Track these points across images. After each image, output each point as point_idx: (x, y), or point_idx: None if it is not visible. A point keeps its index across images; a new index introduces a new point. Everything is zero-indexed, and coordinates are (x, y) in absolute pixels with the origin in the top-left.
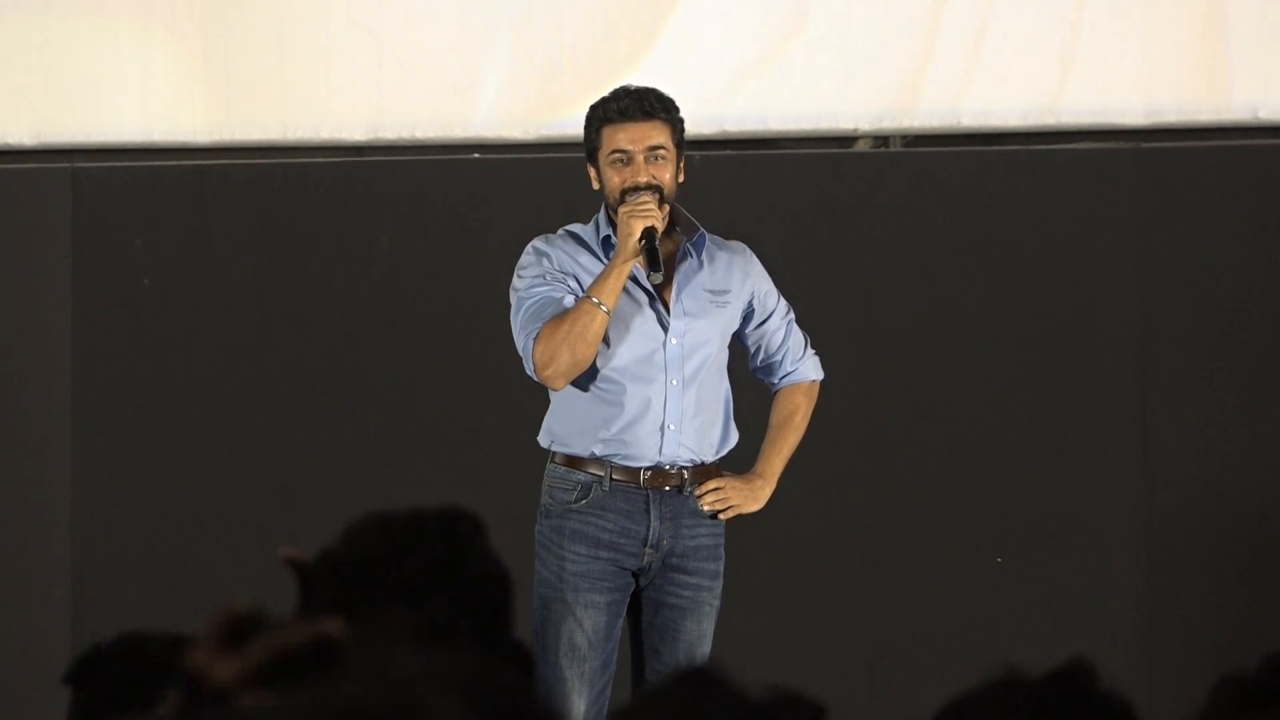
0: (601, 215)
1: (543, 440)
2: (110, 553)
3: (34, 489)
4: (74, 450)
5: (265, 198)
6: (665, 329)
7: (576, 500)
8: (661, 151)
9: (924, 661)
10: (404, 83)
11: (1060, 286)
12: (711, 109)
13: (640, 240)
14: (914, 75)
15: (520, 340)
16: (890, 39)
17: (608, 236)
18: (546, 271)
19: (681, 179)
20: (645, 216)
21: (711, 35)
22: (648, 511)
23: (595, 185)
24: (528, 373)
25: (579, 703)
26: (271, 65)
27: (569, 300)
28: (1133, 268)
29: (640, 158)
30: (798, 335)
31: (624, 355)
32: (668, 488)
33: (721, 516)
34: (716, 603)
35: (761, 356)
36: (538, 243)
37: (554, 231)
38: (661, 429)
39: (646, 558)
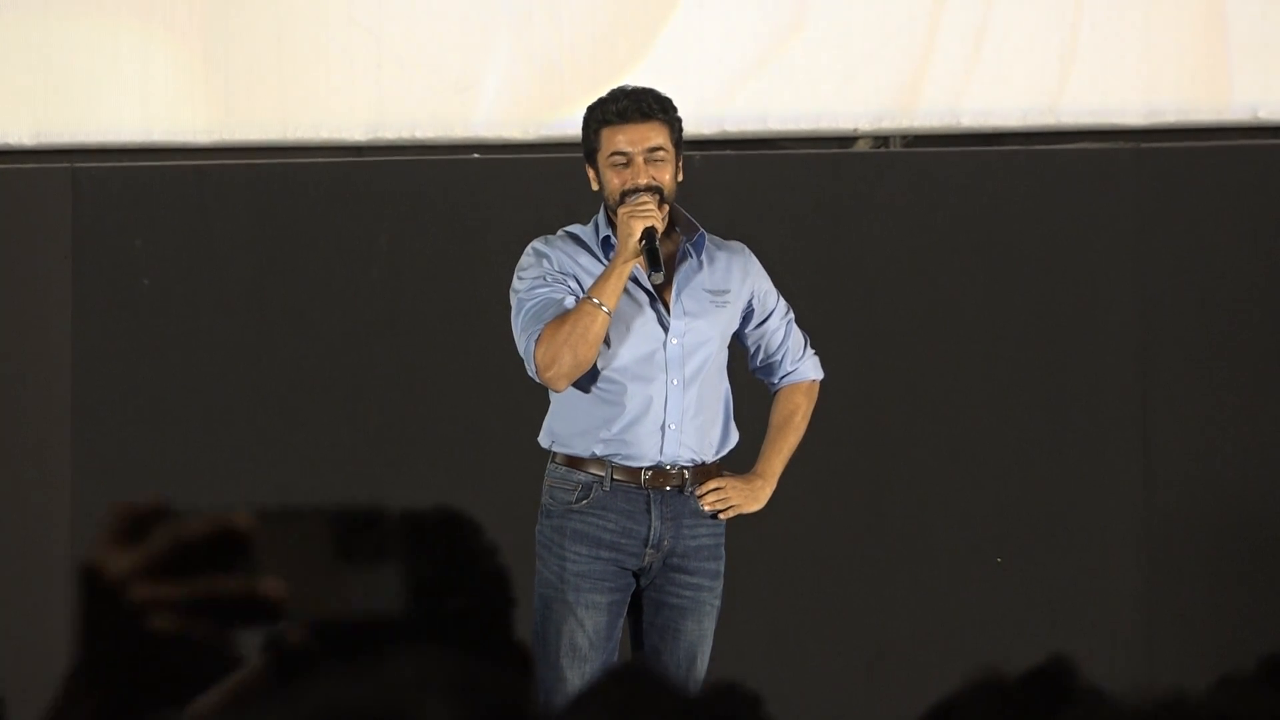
0: (601, 216)
1: (543, 441)
2: None
3: (34, 489)
4: (74, 450)
5: (265, 198)
6: (666, 329)
7: (577, 500)
8: (660, 152)
9: (924, 661)
10: (404, 83)
11: (1060, 286)
12: (711, 109)
13: (640, 241)
14: (914, 75)
15: (521, 342)
16: (890, 39)
17: (607, 237)
18: (547, 273)
19: (680, 178)
20: (645, 217)
21: (711, 35)
22: (649, 511)
23: (595, 187)
24: (529, 374)
25: None
26: (271, 65)
27: (570, 301)
28: (1133, 268)
29: (640, 159)
30: (797, 335)
31: (624, 355)
32: (668, 488)
33: (722, 516)
34: (717, 602)
35: (761, 356)
36: (537, 244)
37: (553, 232)
38: (662, 429)
39: (647, 558)
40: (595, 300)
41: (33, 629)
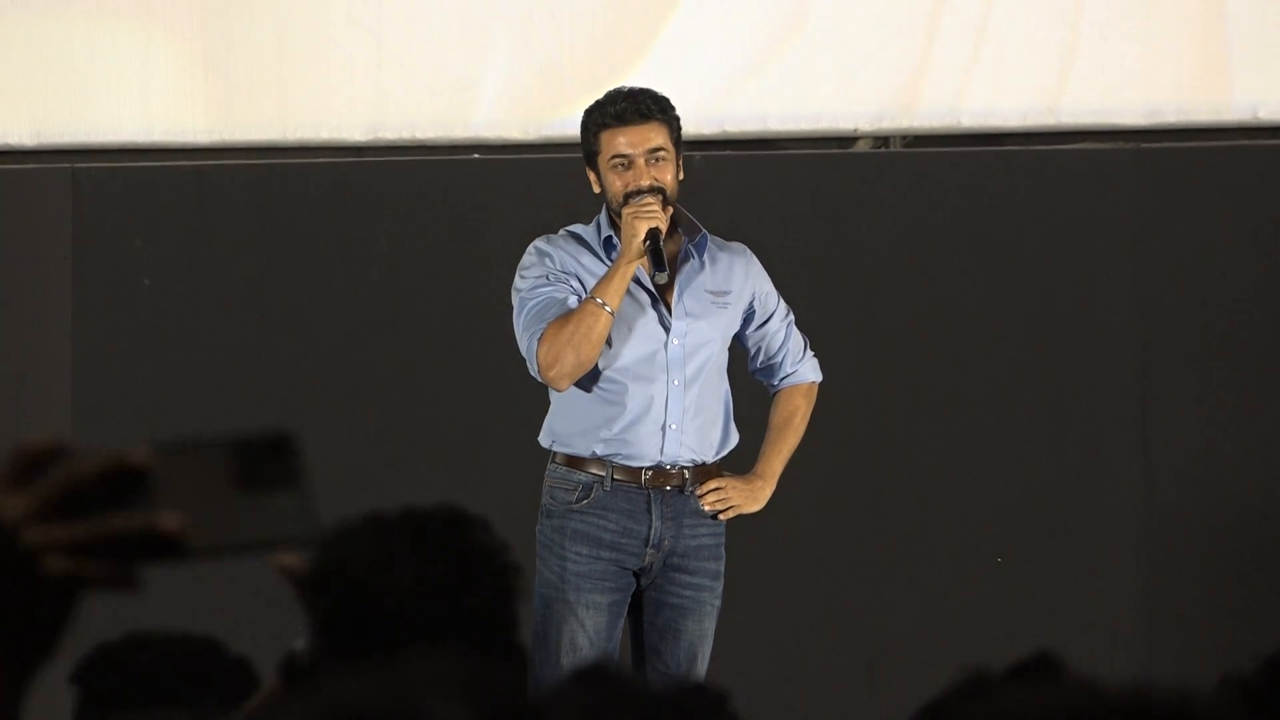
0: (603, 216)
1: (543, 440)
2: None
3: None
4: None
5: (265, 198)
6: (667, 329)
7: (578, 500)
8: (661, 153)
9: (924, 661)
10: (404, 83)
11: (1060, 286)
12: (711, 109)
13: (645, 242)
14: (914, 75)
15: (524, 341)
16: (890, 39)
17: (609, 237)
18: (549, 272)
19: (681, 176)
20: (650, 218)
21: (711, 35)
22: (649, 511)
23: (596, 190)
24: (531, 374)
25: None
26: (271, 65)
27: (572, 301)
28: (1133, 268)
29: (641, 161)
30: (797, 337)
31: (626, 355)
32: (669, 487)
33: (722, 517)
34: (717, 602)
35: (762, 358)
36: (539, 243)
37: (554, 232)
38: (663, 429)
39: (648, 558)
40: (598, 300)
41: None
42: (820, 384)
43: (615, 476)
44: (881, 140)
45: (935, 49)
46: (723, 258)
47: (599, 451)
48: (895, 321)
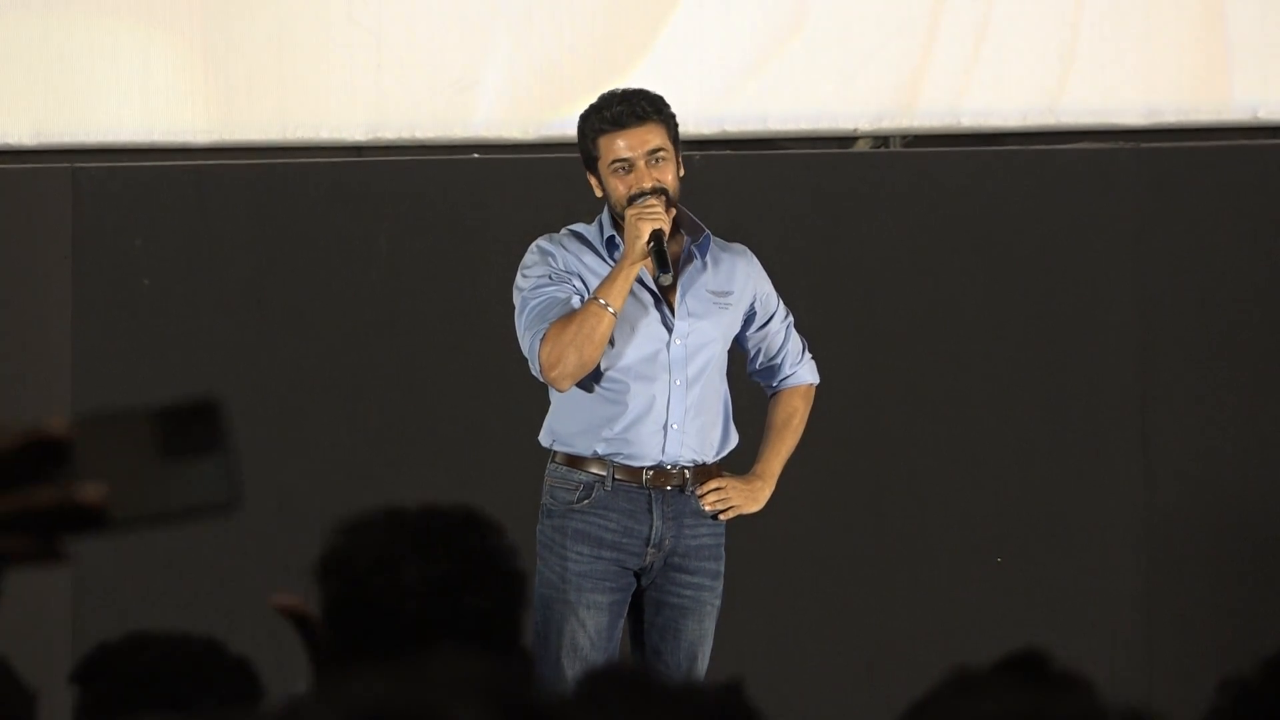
0: (605, 215)
1: (544, 440)
2: (110, 553)
3: None
4: None
5: (265, 198)
6: (670, 330)
7: (579, 500)
8: (661, 153)
9: (924, 661)
10: (404, 83)
11: (1060, 286)
12: (711, 109)
13: (649, 243)
14: (914, 75)
15: (526, 341)
16: (890, 39)
17: (612, 237)
18: (552, 271)
19: (682, 174)
20: (653, 219)
21: (711, 35)
22: (650, 511)
23: (598, 194)
24: (533, 373)
25: None
26: (271, 65)
27: (575, 301)
28: (1133, 268)
29: (641, 163)
30: (796, 339)
31: (628, 355)
32: (669, 487)
33: (722, 517)
34: (717, 602)
35: (761, 359)
36: (542, 242)
37: (554, 231)
38: (664, 429)
39: (649, 557)
40: (602, 301)
41: (33, 629)
42: (820, 384)
43: (616, 476)
44: (881, 140)
45: (935, 49)
46: (725, 258)
47: (600, 451)
48: (895, 321)
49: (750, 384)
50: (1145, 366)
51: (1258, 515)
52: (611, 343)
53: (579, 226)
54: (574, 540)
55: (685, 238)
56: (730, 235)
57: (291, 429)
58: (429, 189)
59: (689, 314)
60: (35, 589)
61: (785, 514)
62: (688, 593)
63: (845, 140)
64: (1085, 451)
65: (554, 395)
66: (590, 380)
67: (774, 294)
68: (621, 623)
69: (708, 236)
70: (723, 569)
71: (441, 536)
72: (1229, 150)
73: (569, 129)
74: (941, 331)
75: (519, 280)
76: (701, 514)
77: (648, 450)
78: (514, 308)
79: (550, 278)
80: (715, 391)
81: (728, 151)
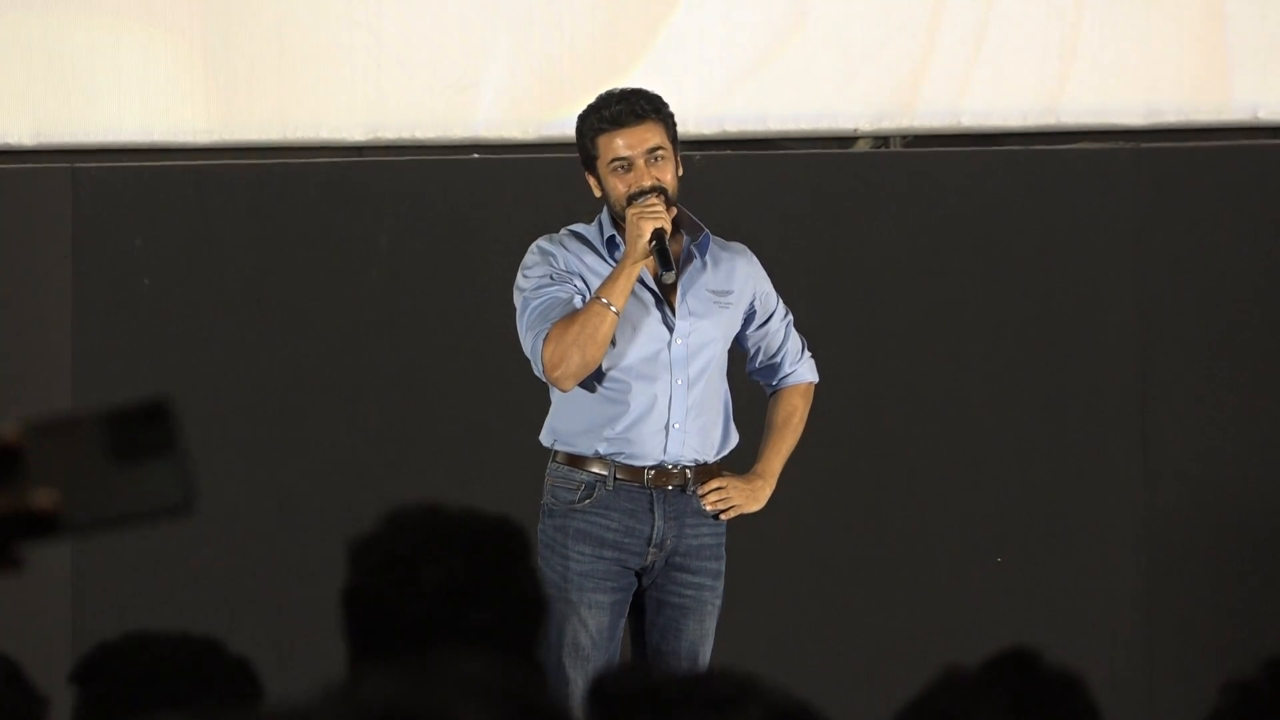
0: (605, 215)
1: (545, 439)
2: (110, 553)
3: None
4: None
5: (265, 198)
6: (671, 329)
7: (580, 499)
8: (660, 151)
9: (924, 661)
10: (404, 83)
11: (1060, 286)
12: (711, 109)
13: (650, 242)
14: (914, 75)
15: (528, 341)
16: (890, 39)
17: (612, 237)
18: (553, 271)
19: (681, 173)
20: (655, 218)
21: (711, 35)
22: (652, 511)
23: (597, 194)
24: (536, 373)
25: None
26: (271, 65)
27: (577, 301)
28: (1133, 268)
29: (641, 162)
30: (795, 338)
31: (630, 355)
32: (671, 487)
33: (723, 517)
34: (718, 602)
35: (761, 358)
36: (542, 242)
37: (554, 231)
38: (666, 428)
39: (650, 557)
40: (604, 301)
41: (33, 629)
42: (821, 383)
43: (618, 476)
44: (881, 140)
45: (935, 49)
46: (724, 257)
47: (602, 451)
48: (895, 321)
49: (750, 384)
50: (1145, 366)
51: (1258, 515)
52: (613, 343)
53: (579, 226)
54: (575, 540)
55: (685, 237)
56: (730, 235)
57: (291, 429)
58: (429, 189)
59: (690, 313)
60: (35, 589)
61: (785, 514)
62: (689, 592)
63: (845, 140)
64: (1085, 451)
65: (555, 395)
66: (592, 380)
67: (773, 293)
68: (623, 622)
69: (707, 236)
70: (724, 568)
71: (463, 540)
72: (1229, 150)
73: (569, 129)
74: (941, 331)
75: (520, 281)
76: (703, 513)
77: (649, 450)
78: (515, 308)
79: (551, 278)
80: (716, 391)
81: (728, 151)
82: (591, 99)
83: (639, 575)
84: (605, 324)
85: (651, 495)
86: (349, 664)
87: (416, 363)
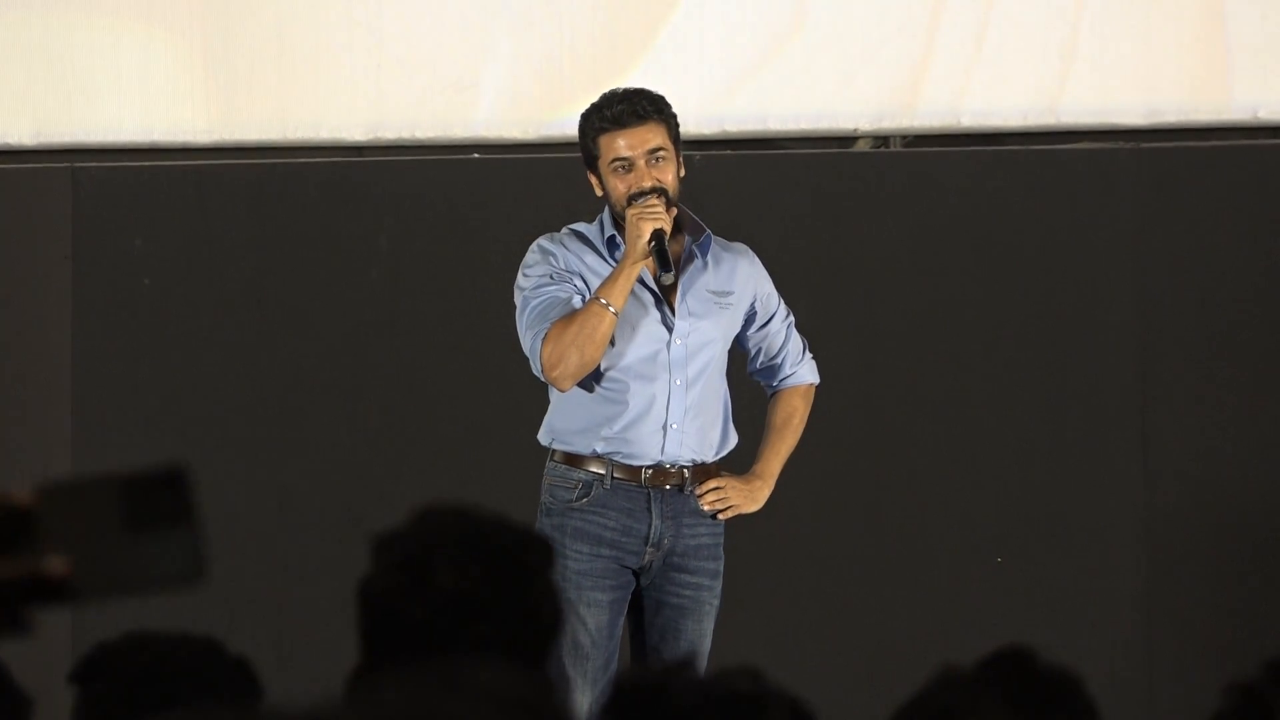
0: (606, 214)
1: (543, 438)
2: None
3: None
4: (74, 450)
5: (265, 198)
6: (670, 329)
7: (578, 498)
8: (661, 152)
9: (924, 661)
10: (404, 83)
11: (1060, 286)
12: (711, 109)
13: (650, 243)
14: (914, 75)
15: (527, 340)
16: (890, 39)
17: (613, 236)
18: (553, 271)
19: (683, 174)
20: (654, 219)
21: (711, 35)
22: (649, 510)
23: (599, 193)
24: (534, 373)
25: (582, 701)
26: (271, 65)
27: (576, 301)
28: (1133, 268)
29: (642, 162)
30: (797, 339)
31: (629, 355)
32: (668, 486)
33: (721, 517)
34: (716, 602)
35: (761, 359)
36: (543, 241)
37: (555, 231)
38: (664, 428)
39: (648, 556)
40: (603, 301)
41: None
42: (821, 383)
43: (615, 475)
44: (881, 140)
45: (935, 49)
46: (726, 258)
47: (599, 450)
48: (895, 321)
49: (750, 384)
50: (1145, 366)
51: (1258, 515)
52: (612, 342)
53: (580, 226)
54: (573, 538)
55: (686, 237)
56: (730, 235)
57: (291, 429)
58: (429, 189)
59: (689, 313)
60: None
61: (785, 514)
62: (687, 593)
63: (845, 140)
64: (1085, 451)
65: (554, 394)
66: (590, 380)
67: (775, 294)
68: (622, 621)
69: (709, 236)
70: (722, 569)
71: (483, 550)
72: (1229, 150)
73: (569, 129)
74: (941, 331)
75: (520, 279)
76: (700, 514)
77: (647, 449)
78: (515, 307)
79: (551, 277)
80: (715, 391)
81: (728, 151)
82: (591, 99)
83: (637, 575)
84: (604, 324)
85: (649, 494)
86: (358, 656)
87: (416, 363)
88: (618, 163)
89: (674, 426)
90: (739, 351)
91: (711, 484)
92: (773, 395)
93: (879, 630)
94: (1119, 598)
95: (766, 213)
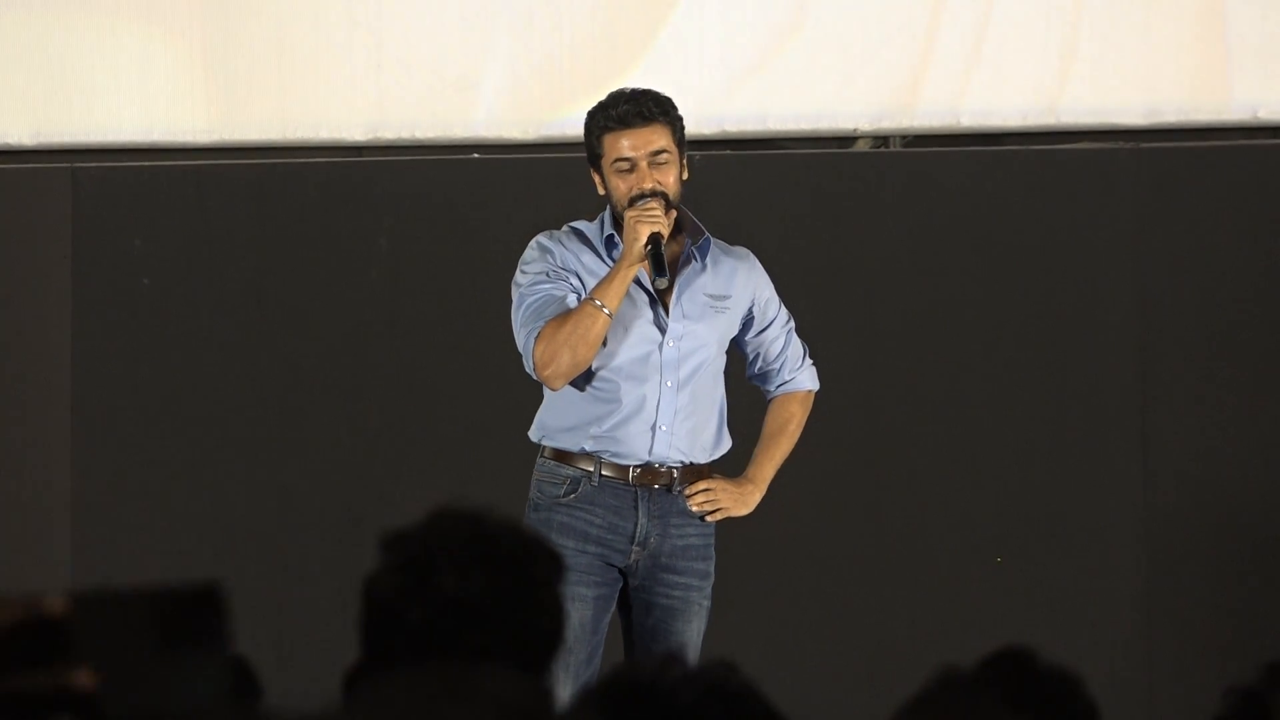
0: (606, 214)
1: (533, 435)
2: (110, 553)
3: (34, 489)
4: (74, 450)
5: (265, 198)
6: (663, 331)
7: (565, 494)
8: (664, 155)
9: (924, 661)
10: (404, 83)
11: (1060, 286)
12: (711, 109)
13: (646, 246)
14: (914, 75)
15: (520, 337)
16: (890, 39)
17: (611, 236)
18: (550, 268)
19: (686, 176)
20: (652, 222)
21: (711, 35)
22: (636, 509)
23: (601, 191)
24: (527, 370)
25: (562, 696)
26: (271, 65)
27: (571, 299)
28: (1133, 268)
29: (644, 163)
30: (796, 345)
31: (621, 355)
32: (656, 486)
33: (709, 519)
34: (707, 603)
35: (760, 364)
36: (542, 238)
37: (557, 229)
38: (653, 428)
39: (634, 555)
40: (597, 302)
41: None
42: (821, 384)
43: (603, 472)
44: (881, 140)
45: (935, 49)
46: (726, 262)
47: (588, 448)
48: (895, 321)
49: (749, 388)
50: (1145, 366)
51: (1258, 515)
52: (605, 342)
53: (580, 224)
54: (559, 534)
55: (685, 239)
56: (730, 235)
57: (291, 429)
58: (429, 189)
59: (683, 316)
60: (35, 589)
61: (786, 514)
62: (676, 593)
63: (845, 140)
64: (1085, 451)
65: (546, 391)
66: (582, 379)
67: (775, 299)
68: (607, 619)
69: (708, 239)
70: (712, 570)
71: (485, 553)
72: (1229, 150)
73: (569, 129)
74: (941, 331)
75: (517, 276)
76: (689, 514)
77: (635, 449)
78: (512, 303)
79: (548, 275)
80: (708, 394)
81: (728, 151)
82: (591, 99)
83: (625, 574)
84: (597, 325)
85: (636, 493)
86: (358, 653)
87: (416, 363)
88: (620, 163)
89: (663, 428)
90: (738, 355)
91: (701, 485)
92: (770, 400)
93: (879, 630)
94: (1119, 598)
95: (766, 213)
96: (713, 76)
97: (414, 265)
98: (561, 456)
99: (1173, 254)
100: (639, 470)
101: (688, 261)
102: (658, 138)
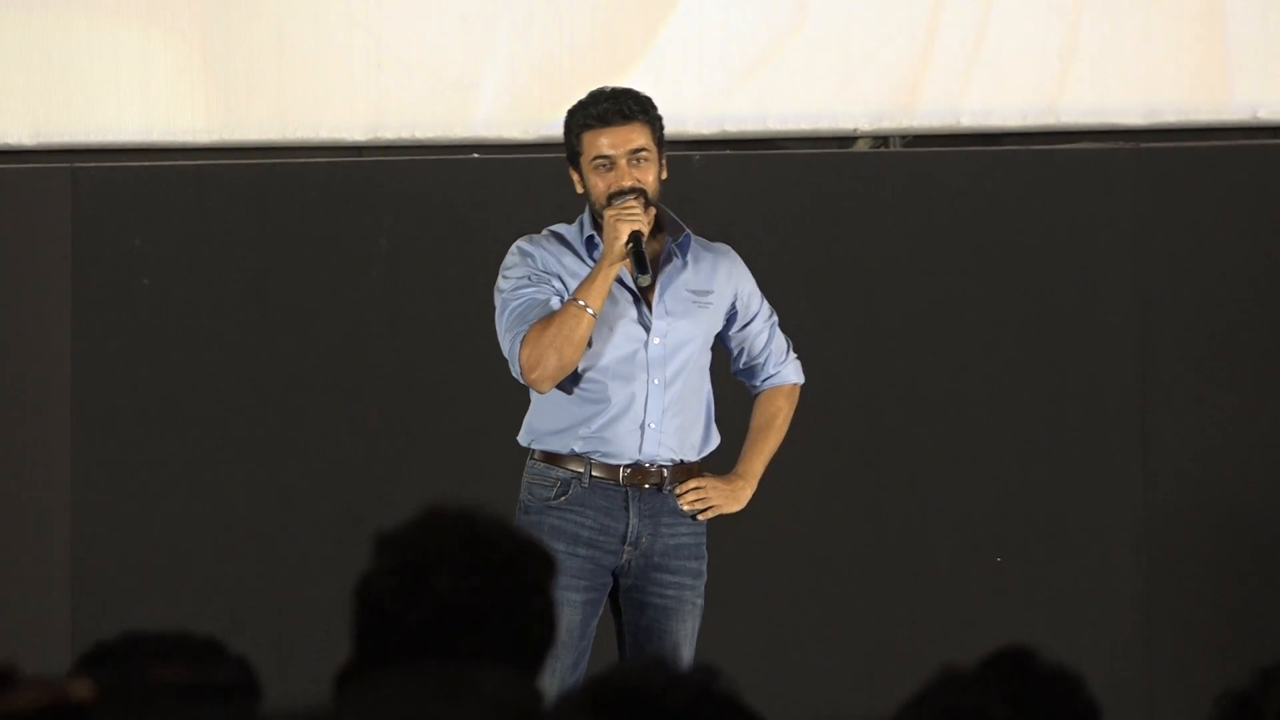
0: (585, 215)
1: (522, 439)
2: (110, 553)
3: (34, 489)
4: (74, 450)
5: (265, 198)
6: (648, 329)
7: (555, 497)
8: (643, 154)
9: (923, 661)
10: (404, 83)
11: (1060, 286)
12: (711, 109)
13: (627, 244)
14: (914, 75)
15: (505, 343)
16: (890, 39)
17: (591, 237)
18: (531, 272)
19: (665, 176)
20: (631, 220)
21: (711, 35)
22: (627, 509)
23: (579, 190)
24: (514, 375)
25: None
26: (271, 65)
27: (555, 302)
28: (1132, 268)
29: (623, 162)
30: (780, 339)
31: (606, 355)
32: (647, 485)
33: (701, 517)
34: (700, 602)
35: (744, 359)
36: (522, 243)
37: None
38: (642, 428)
39: (625, 555)
40: (581, 303)
41: (33, 629)
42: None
43: (594, 473)
44: (881, 140)
45: (935, 49)
46: (706, 257)
47: (578, 449)
48: (895, 321)
49: (735, 383)
50: (1145, 366)
51: (1258, 515)
52: (590, 343)
53: (559, 227)
54: (550, 537)
55: (665, 237)
56: (730, 235)
57: (291, 429)
58: (429, 189)
59: (667, 313)
60: (35, 589)
61: (786, 514)
62: (669, 593)
63: (845, 140)
64: (1085, 451)
65: (533, 395)
66: (569, 381)
67: (757, 293)
68: (595, 622)
69: (688, 235)
70: (705, 568)
71: (482, 555)
72: (1229, 150)
73: None
74: (941, 331)
75: (499, 282)
76: (680, 513)
77: (625, 448)
78: (495, 309)
79: (530, 279)
80: (695, 391)
81: (728, 151)
82: None
83: (616, 576)
84: (581, 326)
85: (627, 493)
86: (351, 653)
87: (416, 363)
88: (599, 161)
89: (652, 426)
90: (722, 351)
91: (692, 484)
92: (756, 395)
93: (879, 630)
94: (1119, 598)
95: (766, 213)
96: (713, 76)
97: (414, 265)
98: (551, 459)
99: (1173, 254)
100: (629, 470)
101: (669, 258)
102: (637, 136)
